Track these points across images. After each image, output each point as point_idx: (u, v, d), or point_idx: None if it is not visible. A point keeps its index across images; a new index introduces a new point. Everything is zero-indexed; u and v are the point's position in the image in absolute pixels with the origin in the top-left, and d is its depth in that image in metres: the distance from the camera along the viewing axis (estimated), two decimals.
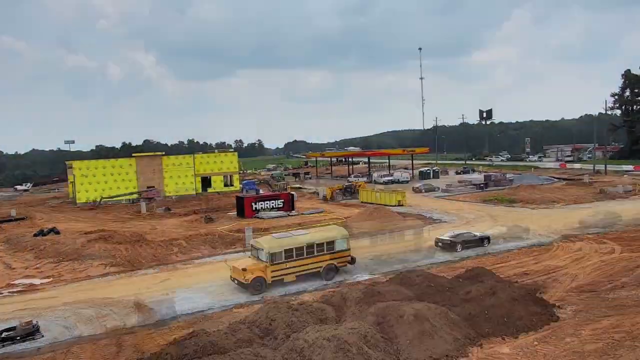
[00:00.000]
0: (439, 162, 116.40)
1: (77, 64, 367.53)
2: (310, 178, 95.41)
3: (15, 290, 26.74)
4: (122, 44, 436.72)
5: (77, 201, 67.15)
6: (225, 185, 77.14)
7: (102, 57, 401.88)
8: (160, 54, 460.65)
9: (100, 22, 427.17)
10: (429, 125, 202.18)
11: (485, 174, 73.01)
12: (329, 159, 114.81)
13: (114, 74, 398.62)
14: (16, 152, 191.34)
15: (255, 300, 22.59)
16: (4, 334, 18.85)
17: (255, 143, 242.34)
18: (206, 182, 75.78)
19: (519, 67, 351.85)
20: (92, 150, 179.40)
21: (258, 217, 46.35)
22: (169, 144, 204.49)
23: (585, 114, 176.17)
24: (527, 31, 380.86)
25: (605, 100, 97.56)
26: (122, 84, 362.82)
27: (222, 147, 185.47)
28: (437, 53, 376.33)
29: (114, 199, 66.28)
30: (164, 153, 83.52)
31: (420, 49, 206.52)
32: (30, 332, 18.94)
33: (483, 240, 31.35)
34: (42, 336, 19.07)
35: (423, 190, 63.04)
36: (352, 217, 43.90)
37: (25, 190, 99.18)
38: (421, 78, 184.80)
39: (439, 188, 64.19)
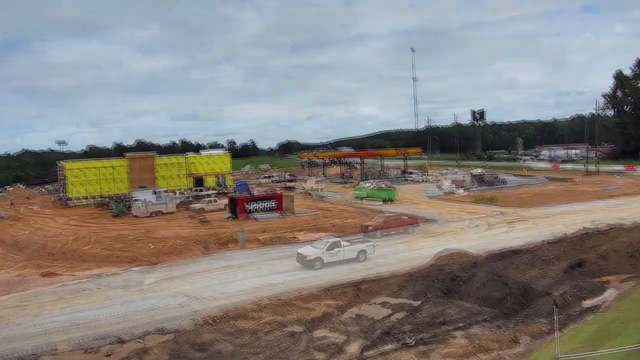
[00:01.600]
0: (431, 162, 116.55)
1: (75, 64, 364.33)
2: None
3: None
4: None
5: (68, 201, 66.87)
6: (218, 185, 76.95)
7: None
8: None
9: None
10: (421, 125, 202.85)
11: (478, 174, 73.39)
12: (323, 159, 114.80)
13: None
14: (7, 152, 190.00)
15: None
16: None
17: (248, 144, 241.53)
18: (199, 182, 75.56)
19: (513, 67, 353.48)
20: (84, 151, 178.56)
21: (251, 218, 46.22)
22: (162, 145, 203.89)
23: (577, 115, 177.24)
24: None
25: (597, 101, 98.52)
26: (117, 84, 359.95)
27: (215, 148, 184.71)
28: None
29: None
30: (156, 153, 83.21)
31: (412, 49, 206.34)
32: None
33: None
34: None
35: None
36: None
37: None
38: (414, 78, 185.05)
39: None
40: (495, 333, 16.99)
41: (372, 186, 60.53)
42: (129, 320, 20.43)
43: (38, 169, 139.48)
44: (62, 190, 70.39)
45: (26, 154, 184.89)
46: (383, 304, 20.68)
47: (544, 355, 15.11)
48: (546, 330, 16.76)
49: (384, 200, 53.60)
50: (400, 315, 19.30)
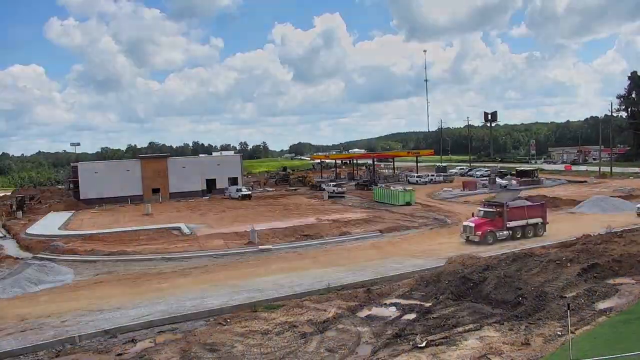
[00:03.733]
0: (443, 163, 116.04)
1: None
2: None
3: None
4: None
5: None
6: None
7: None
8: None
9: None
10: (433, 127, 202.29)
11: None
12: (334, 161, 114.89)
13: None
14: (22, 154, 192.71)
15: None
16: None
17: (260, 145, 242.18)
18: (211, 183, 75.95)
19: (526, 68, 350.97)
20: (97, 152, 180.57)
21: None
22: (174, 146, 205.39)
23: (591, 116, 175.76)
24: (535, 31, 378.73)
25: (611, 102, 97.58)
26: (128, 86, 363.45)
27: (227, 150, 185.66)
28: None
29: None
30: (169, 154, 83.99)
31: (425, 51, 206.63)
32: None
33: None
34: None
35: None
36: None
37: None
38: (426, 80, 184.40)
39: None
40: (507, 335, 16.89)
41: None
42: None
43: (51, 171, 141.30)
44: (77, 192, 71.18)
45: (40, 155, 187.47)
46: (394, 305, 20.66)
47: (557, 358, 15.00)
48: (559, 333, 16.63)
49: None
50: (411, 316, 19.27)
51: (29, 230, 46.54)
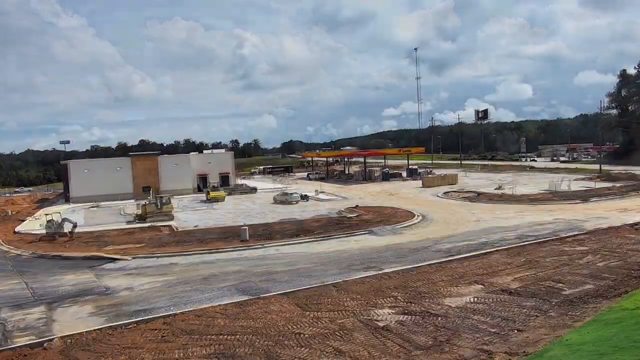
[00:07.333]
0: (434, 161, 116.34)
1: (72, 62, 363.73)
2: None
3: None
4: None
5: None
6: (222, 184, 76.92)
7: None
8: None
9: None
10: (425, 125, 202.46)
11: None
12: (325, 159, 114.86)
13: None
14: (12, 152, 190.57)
15: None
16: None
17: (251, 143, 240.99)
18: (203, 181, 75.59)
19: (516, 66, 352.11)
20: (87, 150, 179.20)
21: None
22: (165, 144, 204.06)
23: (581, 114, 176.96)
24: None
25: (601, 100, 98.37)
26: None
27: (218, 147, 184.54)
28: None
29: None
30: (160, 152, 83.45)
31: (416, 49, 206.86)
32: None
33: None
34: None
35: None
36: None
37: None
38: (417, 78, 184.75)
39: None
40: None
41: None
42: None
43: (41, 169, 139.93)
44: (67, 190, 70.61)
45: (29, 152, 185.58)
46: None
47: (552, 351, 15.00)
48: (552, 330, 16.66)
49: None
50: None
51: (18, 229, 46.16)
